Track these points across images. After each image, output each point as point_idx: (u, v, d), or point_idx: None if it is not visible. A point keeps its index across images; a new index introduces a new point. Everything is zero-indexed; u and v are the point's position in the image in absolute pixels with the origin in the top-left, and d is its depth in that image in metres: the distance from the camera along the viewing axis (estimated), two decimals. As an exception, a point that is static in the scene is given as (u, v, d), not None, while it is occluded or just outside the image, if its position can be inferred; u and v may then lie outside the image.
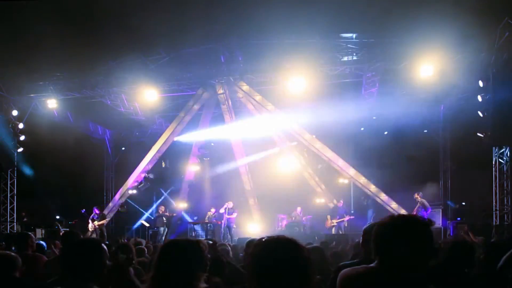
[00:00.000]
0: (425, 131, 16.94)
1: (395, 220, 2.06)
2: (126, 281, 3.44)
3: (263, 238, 1.99)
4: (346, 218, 15.28)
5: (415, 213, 14.04)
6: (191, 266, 2.26)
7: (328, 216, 15.63)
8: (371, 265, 2.07)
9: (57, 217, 16.98)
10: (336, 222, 15.25)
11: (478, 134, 12.46)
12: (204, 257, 2.34)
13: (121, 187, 17.38)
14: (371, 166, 15.62)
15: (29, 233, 5.51)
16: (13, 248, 5.69)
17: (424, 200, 14.17)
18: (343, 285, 2.11)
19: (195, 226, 16.12)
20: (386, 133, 16.71)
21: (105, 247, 2.77)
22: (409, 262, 1.96)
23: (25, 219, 16.23)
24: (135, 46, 12.98)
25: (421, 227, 2.02)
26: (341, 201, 15.79)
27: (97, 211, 15.38)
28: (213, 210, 16.53)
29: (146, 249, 6.33)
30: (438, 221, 14.85)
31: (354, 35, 13.17)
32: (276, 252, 1.86)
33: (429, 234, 2.02)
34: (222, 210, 15.54)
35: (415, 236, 1.99)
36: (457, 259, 3.57)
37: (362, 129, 16.95)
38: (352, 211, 16.65)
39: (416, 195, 14.28)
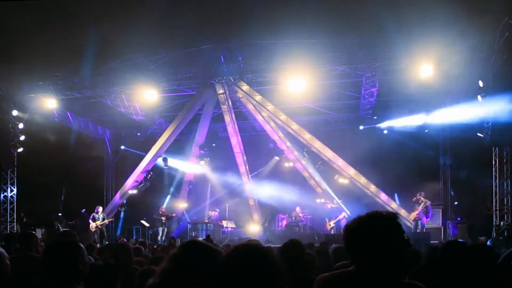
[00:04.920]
0: (426, 130, 16.94)
1: (359, 220, 2.00)
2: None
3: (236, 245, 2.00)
4: (341, 216, 15.09)
5: (417, 214, 13.99)
6: (206, 271, 2.22)
7: (326, 219, 15.58)
8: (350, 268, 2.02)
9: (59, 214, 16.95)
10: (334, 223, 15.19)
11: (478, 134, 12.46)
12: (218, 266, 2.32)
13: (121, 187, 17.39)
14: (371, 166, 15.61)
15: (33, 232, 5.47)
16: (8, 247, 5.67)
17: (427, 200, 14.08)
18: None
19: (195, 226, 16.12)
20: (385, 132, 16.71)
21: (82, 246, 2.79)
22: (382, 260, 1.90)
23: (24, 219, 16.23)
24: (135, 46, 12.97)
25: (385, 221, 1.96)
26: (327, 203, 15.73)
27: (99, 210, 15.41)
28: (217, 211, 16.48)
29: (143, 248, 6.34)
30: (438, 221, 14.85)
31: (354, 35, 13.17)
32: (241, 260, 1.85)
33: (395, 227, 1.95)
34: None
35: (380, 232, 1.92)
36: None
37: (361, 127, 16.96)
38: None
39: (418, 196, 14.17)
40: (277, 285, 1.84)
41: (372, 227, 1.95)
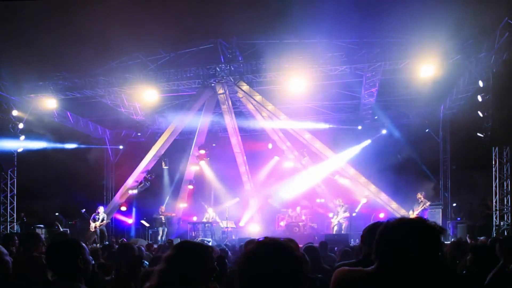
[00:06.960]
0: (427, 130, 16.95)
1: (404, 224, 1.88)
2: None
3: (259, 239, 1.90)
4: (343, 216, 14.95)
5: (416, 213, 14.01)
6: (199, 270, 2.24)
7: (334, 217, 15.52)
8: (369, 268, 1.93)
9: (59, 214, 16.94)
10: (338, 221, 15.13)
11: (478, 134, 12.46)
12: (213, 265, 2.33)
13: (121, 187, 17.38)
14: (371, 166, 15.60)
15: (36, 232, 5.46)
16: (13, 248, 5.66)
17: (426, 201, 14.08)
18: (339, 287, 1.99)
19: (195, 226, 16.10)
20: (385, 132, 16.71)
21: (83, 245, 2.79)
22: (412, 270, 1.81)
23: (24, 219, 16.23)
24: (135, 46, 12.98)
25: (432, 234, 1.85)
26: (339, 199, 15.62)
27: (99, 211, 15.38)
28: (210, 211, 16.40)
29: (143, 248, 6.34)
30: (438, 221, 14.85)
31: (354, 35, 13.18)
32: (270, 253, 1.78)
33: (439, 243, 1.86)
34: None
35: (424, 244, 1.82)
36: None
37: (359, 127, 16.97)
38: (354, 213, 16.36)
39: (419, 195, 14.17)
40: (303, 282, 1.79)
41: (417, 239, 1.83)
